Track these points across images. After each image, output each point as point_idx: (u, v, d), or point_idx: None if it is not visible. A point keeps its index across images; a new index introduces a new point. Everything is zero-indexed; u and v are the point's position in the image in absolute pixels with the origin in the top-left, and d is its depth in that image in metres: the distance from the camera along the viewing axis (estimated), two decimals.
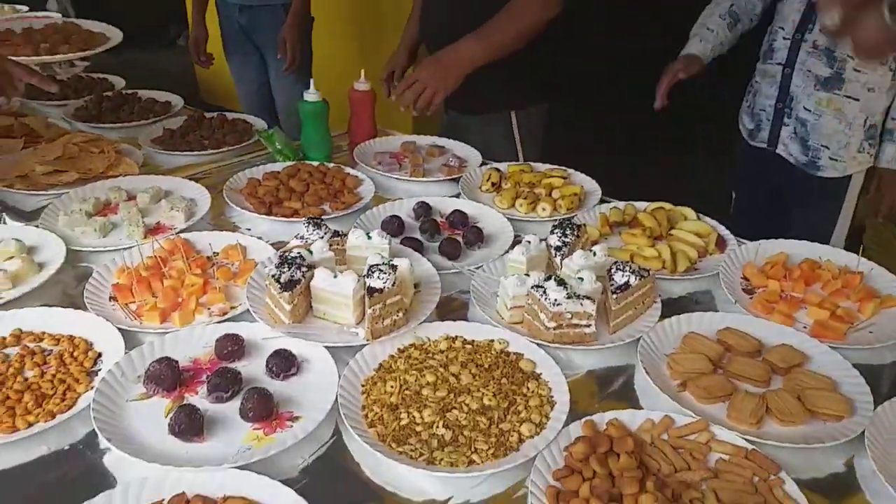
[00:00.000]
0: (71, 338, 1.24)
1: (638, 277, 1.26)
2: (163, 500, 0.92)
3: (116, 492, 0.93)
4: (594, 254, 1.35)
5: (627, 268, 1.27)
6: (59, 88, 2.28)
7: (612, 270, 1.28)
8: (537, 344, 1.22)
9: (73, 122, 2.22)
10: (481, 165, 1.93)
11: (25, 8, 3.57)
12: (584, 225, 1.49)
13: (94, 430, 1.03)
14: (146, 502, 0.92)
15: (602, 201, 1.75)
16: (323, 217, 1.58)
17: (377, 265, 1.22)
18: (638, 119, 2.55)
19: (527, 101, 2.19)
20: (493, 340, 1.24)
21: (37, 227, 1.57)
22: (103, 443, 1.02)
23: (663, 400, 1.10)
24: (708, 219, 1.62)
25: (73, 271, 1.46)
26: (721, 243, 1.54)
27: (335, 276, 1.25)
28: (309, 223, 1.39)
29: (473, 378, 1.14)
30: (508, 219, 1.64)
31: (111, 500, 0.92)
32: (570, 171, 1.88)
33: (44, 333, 1.25)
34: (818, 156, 1.94)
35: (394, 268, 1.23)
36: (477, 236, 1.54)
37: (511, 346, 1.23)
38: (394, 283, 1.21)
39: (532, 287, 1.24)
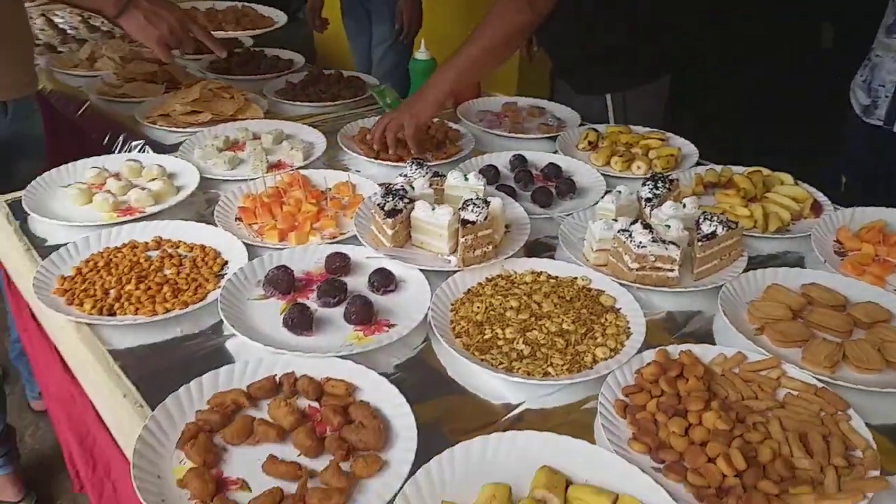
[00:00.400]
0: (202, 247, 1.41)
1: (725, 228, 1.29)
2: (275, 374, 1.06)
3: (237, 366, 1.08)
4: (684, 206, 1.38)
5: (715, 218, 1.30)
6: (199, 47, 2.55)
7: (700, 220, 1.32)
8: (619, 283, 1.28)
9: (206, 74, 2.45)
10: (580, 125, 1.99)
11: None
12: (677, 180, 1.52)
13: (219, 320, 1.19)
14: (261, 376, 1.06)
15: (699, 164, 1.77)
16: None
17: (471, 200, 1.32)
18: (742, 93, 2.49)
19: (628, 83, 2.17)
20: (576, 277, 1.31)
21: (175, 157, 1.78)
22: (227, 330, 1.18)
23: (740, 342, 1.13)
24: (806, 185, 1.61)
25: (205, 196, 1.65)
26: (817, 209, 1.53)
27: (433, 209, 1.36)
28: (413, 163, 1.51)
29: (554, 306, 1.22)
30: (602, 174, 1.69)
31: (232, 372, 1.07)
32: (670, 135, 1.90)
33: (180, 242, 1.43)
34: None
35: (487, 203, 1.32)
36: (569, 187, 1.60)
37: (594, 283, 1.30)
38: (486, 217, 1.30)
39: (618, 231, 1.30)
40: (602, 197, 1.46)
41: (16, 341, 2.11)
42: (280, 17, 2.47)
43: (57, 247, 1.37)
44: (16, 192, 1.58)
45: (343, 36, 3.45)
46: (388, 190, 1.39)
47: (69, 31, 3.00)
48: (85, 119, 2.22)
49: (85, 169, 1.67)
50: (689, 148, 1.83)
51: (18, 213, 1.52)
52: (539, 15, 1.70)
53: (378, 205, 1.37)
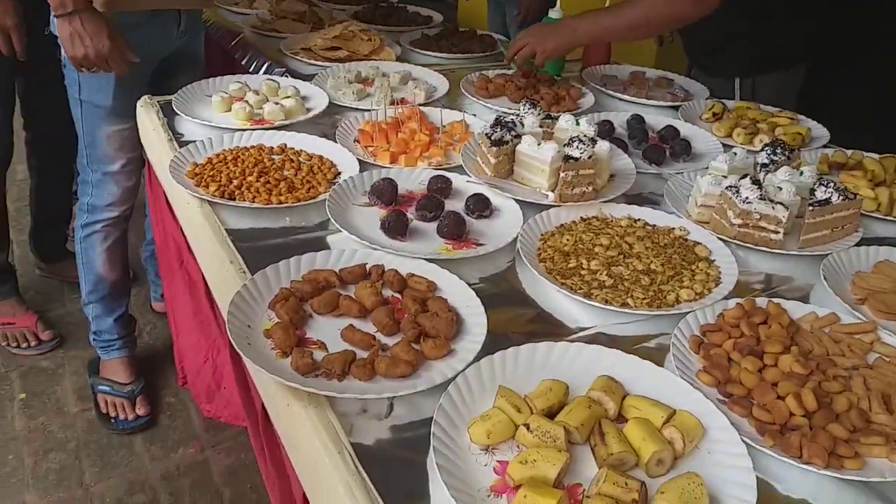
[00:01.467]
0: (321, 157, 1.52)
1: (841, 197, 1.23)
2: (366, 264, 1.14)
3: (334, 252, 1.16)
4: (801, 174, 1.32)
5: (832, 185, 1.24)
6: None
7: (816, 185, 1.26)
8: (719, 238, 1.25)
9: (351, 20, 2.59)
10: (707, 98, 1.93)
11: None
12: (798, 150, 1.45)
13: (325, 218, 1.28)
14: (353, 263, 1.14)
15: (827, 147, 1.67)
16: None
17: (577, 137, 1.33)
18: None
19: (759, 69, 2.04)
20: (674, 228, 1.29)
21: (310, 83, 1.90)
22: (331, 226, 1.27)
23: (837, 309, 1.08)
24: None
25: (331, 119, 1.75)
26: None
27: (539, 145, 1.38)
28: (527, 102, 1.53)
29: (646, 249, 1.21)
30: (723, 144, 1.64)
31: (328, 256, 1.15)
32: (801, 117, 1.80)
33: (301, 151, 1.55)
34: None
35: (593, 142, 1.33)
36: (684, 148, 1.57)
37: (691, 235, 1.27)
38: (590, 156, 1.31)
39: (726, 187, 1.27)
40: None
41: (149, 243, 2.34)
42: None
43: (195, 142, 1.52)
44: (167, 96, 1.76)
45: (486, 7, 3.51)
46: (498, 121, 1.43)
47: None
48: (236, 49, 2.42)
49: (229, 83, 1.83)
50: (819, 130, 1.73)
51: (167, 112, 1.69)
52: (704, 11, 1.66)
53: (486, 134, 1.41)
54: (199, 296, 1.42)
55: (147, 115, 1.70)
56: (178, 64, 1.98)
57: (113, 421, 2.11)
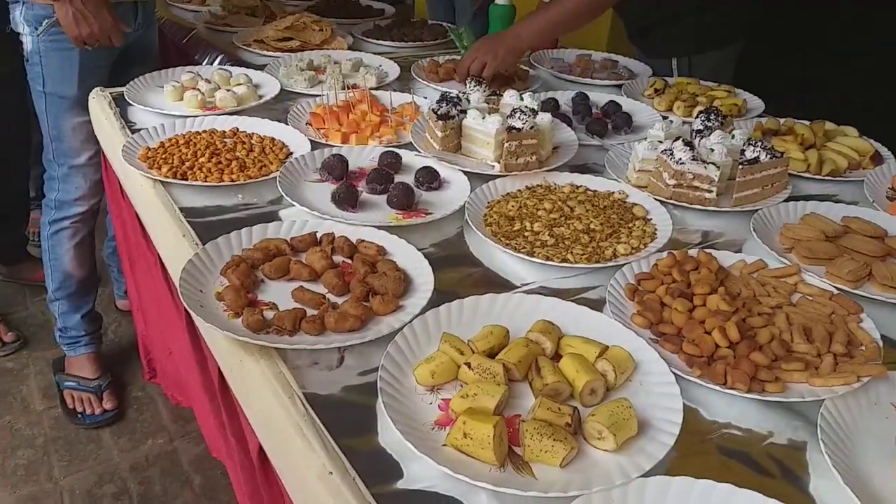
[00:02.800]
0: (272, 139, 1.55)
1: (769, 156, 1.29)
2: (316, 232, 1.17)
3: (285, 223, 1.19)
4: (733, 137, 1.39)
5: (760, 145, 1.31)
6: None
7: (745, 146, 1.33)
8: (655, 199, 1.31)
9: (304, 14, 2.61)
10: (651, 76, 2.00)
11: None
12: (731, 117, 1.52)
13: (277, 196, 1.31)
14: (305, 232, 1.17)
15: (762, 117, 1.75)
16: None
17: (519, 108, 1.39)
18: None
19: (696, 48, 2.12)
20: (613, 192, 1.35)
21: (263, 72, 1.93)
22: (283, 202, 1.30)
23: (766, 258, 1.14)
24: (870, 139, 1.57)
25: (283, 105, 1.78)
26: (877, 160, 1.49)
27: (483, 118, 1.43)
28: (472, 79, 1.58)
29: (586, 211, 1.26)
30: (663, 117, 1.71)
31: (280, 226, 1.18)
32: (739, 90, 1.88)
33: (254, 134, 1.57)
34: None
35: (534, 112, 1.38)
36: (625, 121, 1.63)
37: (630, 198, 1.33)
38: (532, 126, 1.36)
39: (661, 151, 1.33)
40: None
41: (111, 240, 2.33)
42: None
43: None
44: (119, 88, 1.76)
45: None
46: (444, 97, 1.48)
47: None
48: (189, 45, 2.42)
49: (181, 73, 1.85)
50: (755, 102, 1.82)
51: (120, 104, 1.70)
52: None
53: (432, 109, 1.45)
54: (159, 280, 1.44)
55: (99, 106, 1.70)
56: (135, 56, 1.99)
57: (80, 416, 2.10)
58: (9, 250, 2.65)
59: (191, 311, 0.94)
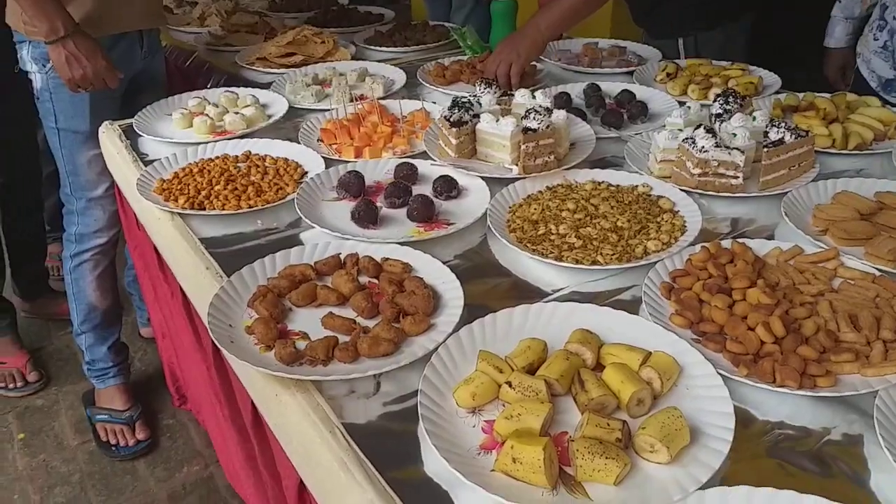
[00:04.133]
0: (286, 159, 1.53)
1: (794, 136, 1.26)
2: (340, 254, 1.15)
3: (307, 247, 1.18)
4: (754, 119, 1.36)
5: (784, 125, 1.27)
6: (297, 6, 2.75)
7: (768, 128, 1.29)
8: (681, 189, 1.28)
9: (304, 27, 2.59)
10: (660, 61, 1.96)
11: None
12: (750, 97, 1.49)
13: (296, 217, 1.30)
14: (327, 255, 1.15)
15: (780, 93, 1.71)
16: None
17: (533, 108, 1.36)
18: None
19: (704, 24, 2.10)
20: (637, 185, 1.32)
21: (269, 91, 1.91)
22: (302, 224, 1.28)
23: (801, 242, 1.11)
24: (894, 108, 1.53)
25: (292, 122, 1.76)
26: None
27: (497, 121, 1.40)
28: (482, 81, 1.56)
29: (611, 208, 1.23)
30: (679, 102, 1.67)
31: (303, 251, 1.17)
32: (753, 67, 1.84)
33: (266, 156, 1.56)
34: None
35: (549, 111, 1.35)
36: (641, 110, 1.60)
37: (654, 190, 1.30)
38: (548, 126, 1.34)
39: (682, 140, 1.30)
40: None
41: (130, 268, 2.34)
42: None
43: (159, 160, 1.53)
44: (128, 120, 1.76)
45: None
46: (455, 102, 1.45)
47: None
48: (192, 68, 2.42)
49: (188, 99, 1.84)
50: (771, 78, 1.77)
51: (130, 135, 1.70)
52: None
53: (445, 116, 1.43)
54: (179, 313, 1.43)
55: (110, 140, 1.70)
56: (144, 84, 2.00)
57: (114, 448, 2.11)
58: (30, 286, 2.66)
59: (222, 348, 0.93)
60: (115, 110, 1.86)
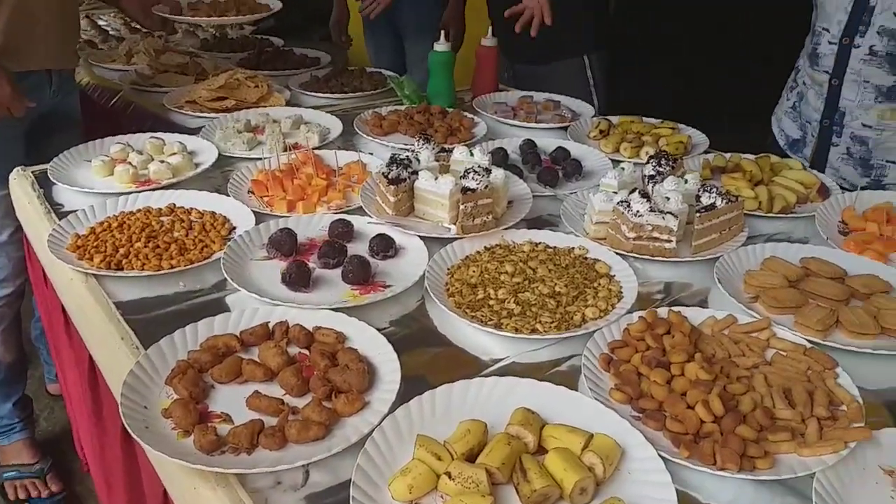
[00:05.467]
0: (213, 213, 1.46)
1: (725, 201, 1.29)
2: (268, 322, 1.09)
3: (232, 315, 1.11)
4: (686, 182, 1.38)
5: (715, 190, 1.30)
6: (230, 46, 2.69)
7: (700, 192, 1.32)
8: (616, 253, 1.28)
9: (236, 68, 2.53)
10: (594, 117, 2.00)
11: None
12: (682, 160, 1.52)
13: (222, 278, 1.23)
14: (255, 323, 1.09)
15: (708, 153, 1.76)
16: None
17: (472, 168, 1.35)
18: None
19: (592, 48, 2.29)
20: (573, 247, 1.31)
21: (198, 137, 1.84)
22: (228, 286, 1.21)
23: (733, 310, 1.12)
24: (815, 171, 1.59)
25: (222, 172, 1.69)
26: (824, 193, 1.51)
27: (436, 179, 1.38)
28: (420, 137, 1.54)
29: (549, 272, 1.22)
30: (612, 160, 1.70)
31: (228, 319, 1.10)
32: (682, 125, 1.89)
33: (192, 209, 1.48)
34: (883, 174, 1.66)
35: (488, 171, 1.34)
36: (575, 168, 1.61)
37: (591, 253, 1.30)
38: (486, 185, 1.32)
39: (618, 203, 1.31)
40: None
41: (37, 321, 2.19)
42: (275, 4, 2.43)
43: (76, 212, 1.43)
44: (42, 166, 1.65)
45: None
46: (393, 159, 1.43)
47: (111, 32, 3.13)
48: (116, 109, 2.31)
49: (110, 145, 1.74)
50: (699, 137, 1.83)
51: (44, 183, 1.59)
52: None
53: (382, 173, 1.40)
54: (86, 382, 1.33)
55: (21, 188, 1.59)
56: (54, 124, 1.90)
57: (28, 503, 1.96)
58: None
59: (135, 437, 0.85)
60: (20, 152, 1.76)
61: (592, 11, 2.31)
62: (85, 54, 2.68)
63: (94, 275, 1.23)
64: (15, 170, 1.64)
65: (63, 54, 1.86)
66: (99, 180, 1.61)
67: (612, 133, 1.85)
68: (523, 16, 2.00)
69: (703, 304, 1.20)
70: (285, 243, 1.30)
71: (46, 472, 2.04)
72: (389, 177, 1.39)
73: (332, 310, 1.12)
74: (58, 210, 1.49)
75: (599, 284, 1.19)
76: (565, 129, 1.93)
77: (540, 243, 1.33)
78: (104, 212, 1.45)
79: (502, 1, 2.15)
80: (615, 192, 1.36)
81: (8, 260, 1.85)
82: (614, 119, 1.95)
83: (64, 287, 1.30)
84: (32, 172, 1.63)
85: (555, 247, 1.32)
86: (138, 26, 3.20)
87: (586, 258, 1.28)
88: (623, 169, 1.45)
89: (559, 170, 1.63)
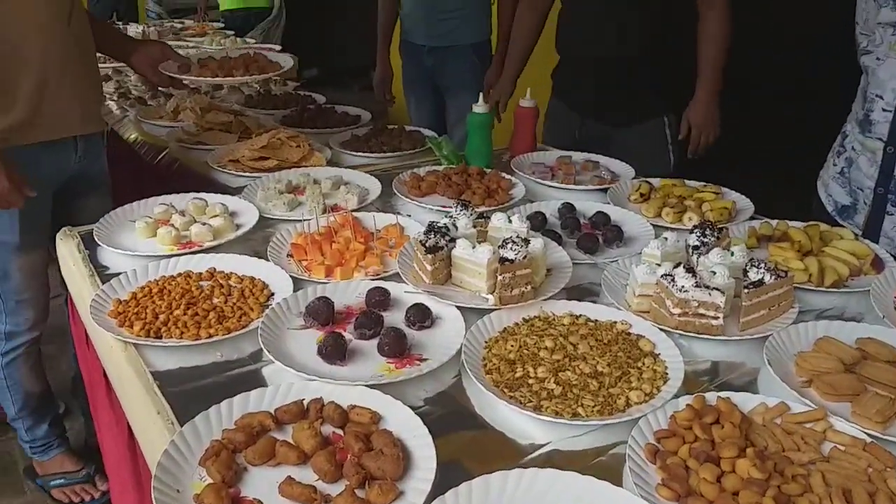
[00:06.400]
0: (252, 279, 1.47)
1: (774, 277, 1.24)
2: (303, 399, 1.08)
3: (268, 390, 1.10)
4: (732, 254, 1.34)
5: (763, 266, 1.26)
6: (273, 103, 2.80)
7: (748, 267, 1.28)
8: (661, 329, 1.24)
9: (278, 126, 2.58)
10: (634, 178, 1.98)
11: (252, 41, 4.21)
12: (727, 229, 1.48)
13: (259, 348, 1.23)
14: (290, 400, 1.08)
15: (753, 219, 1.72)
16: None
17: (510, 238, 1.33)
18: None
19: (671, 108, 2.32)
20: (615, 322, 1.28)
21: (239, 198, 1.87)
22: (265, 356, 1.21)
23: (785, 394, 1.07)
24: (868, 241, 1.53)
25: (263, 233, 1.71)
26: (878, 265, 1.45)
27: (473, 248, 1.37)
28: (458, 203, 1.53)
29: (590, 348, 1.19)
30: (653, 226, 1.67)
31: (264, 394, 1.09)
32: (725, 189, 1.86)
33: (232, 273, 1.49)
34: None
35: (526, 242, 1.33)
36: (616, 234, 1.59)
37: (634, 328, 1.26)
38: (525, 256, 1.31)
39: (661, 276, 1.28)
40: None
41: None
42: (286, 62, 2.45)
43: (118, 275, 1.46)
44: (88, 226, 1.69)
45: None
46: (431, 227, 1.42)
47: (160, 88, 3.24)
48: (162, 166, 2.38)
49: (154, 205, 1.78)
50: (744, 202, 1.79)
51: (89, 243, 1.62)
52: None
53: (420, 241, 1.40)
54: (123, 445, 1.33)
55: (67, 249, 1.62)
56: (81, 186, 1.96)
57: None
58: None
59: None
60: (46, 216, 1.85)
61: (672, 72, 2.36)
62: (135, 111, 2.78)
63: (133, 344, 1.24)
64: (62, 231, 1.69)
65: (87, 120, 1.90)
66: (142, 241, 1.64)
67: (653, 197, 1.82)
68: (692, 138, 2.19)
69: (751, 385, 1.15)
70: (322, 313, 1.30)
71: (93, 474, 2.15)
72: (427, 245, 1.38)
73: (368, 386, 1.10)
74: (102, 272, 1.52)
75: (644, 364, 1.14)
76: (604, 190, 1.91)
77: (581, 315, 1.30)
78: (146, 276, 1.47)
79: (581, 56, 2.28)
80: (658, 264, 1.33)
81: (34, 310, 1.95)
82: (655, 181, 1.92)
83: (105, 353, 1.32)
84: (78, 232, 1.67)
85: (596, 320, 1.29)
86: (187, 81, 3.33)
87: (629, 334, 1.24)
88: (666, 238, 1.42)
89: (599, 235, 1.61)
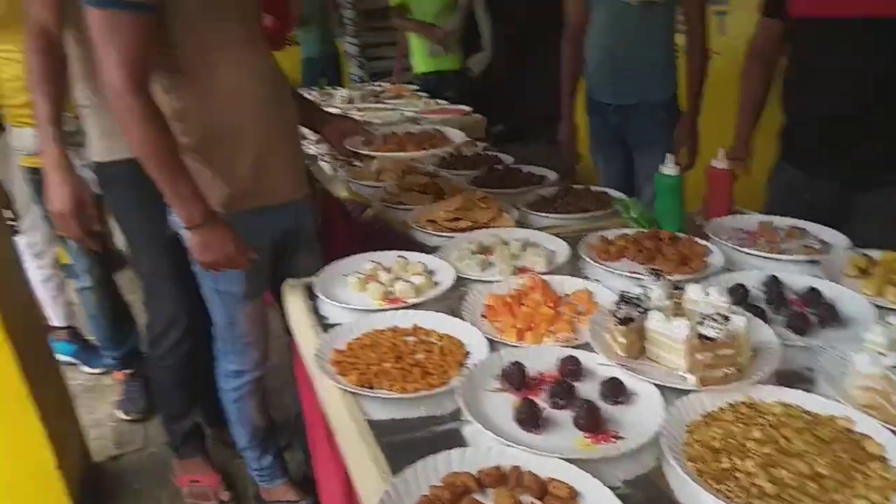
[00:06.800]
0: (450, 337, 1.56)
1: None
2: (499, 465, 1.12)
3: (469, 449, 1.16)
4: None
5: None
6: (464, 164, 3.00)
7: None
8: (891, 430, 1.13)
9: (469, 186, 2.73)
10: (849, 249, 1.82)
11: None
12: None
13: (457, 407, 1.30)
14: (490, 463, 1.12)
15: None
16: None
17: (710, 315, 1.29)
18: None
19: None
20: (835, 416, 1.18)
21: (436, 257, 1.99)
22: (463, 415, 1.27)
23: None
24: None
25: (458, 292, 1.80)
26: None
27: (668, 320, 1.35)
28: (651, 272, 1.52)
29: (808, 445, 1.11)
30: (874, 305, 1.53)
31: (464, 454, 1.15)
32: None
33: (432, 330, 1.59)
34: None
35: (727, 319, 1.28)
36: (831, 314, 1.47)
37: (858, 426, 1.16)
38: (726, 334, 1.26)
39: (889, 367, 1.17)
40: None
41: None
42: (459, 138, 2.58)
43: (334, 325, 1.62)
44: (306, 279, 1.89)
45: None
46: (623, 297, 1.42)
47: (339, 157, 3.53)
48: (366, 222, 2.61)
49: (364, 262, 1.95)
50: None
51: (311, 294, 1.82)
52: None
53: (612, 312, 1.40)
54: (346, 490, 1.44)
55: (293, 299, 1.82)
56: (292, 245, 2.17)
57: None
58: (212, 411, 2.73)
59: None
60: (267, 271, 2.08)
61: None
62: (343, 171, 3.08)
63: (351, 392, 1.37)
64: (287, 281, 1.91)
65: (298, 184, 2.10)
66: (355, 295, 1.80)
67: (873, 272, 1.67)
68: None
69: None
70: (516, 378, 1.34)
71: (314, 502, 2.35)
72: (619, 316, 1.38)
73: (565, 459, 1.12)
74: (323, 321, 1.69)
75: (871, 469, 1.05)
76: (813, 262, 1.78)
77: (794, 406, 1.22)
78: (359, 328, 1.61)
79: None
80: (883, 354, 1.21)
81: (258, 351, 2.19)
82: (875, 254, 1.76)
83: (326, 398, 1.46)
84: (304, 285, 1.87)
85: (812, 413, 1.20)
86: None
87: (852, 432, 1.14)
88: (892, 324, 1.29)
89: (810, 314, 1.50)
